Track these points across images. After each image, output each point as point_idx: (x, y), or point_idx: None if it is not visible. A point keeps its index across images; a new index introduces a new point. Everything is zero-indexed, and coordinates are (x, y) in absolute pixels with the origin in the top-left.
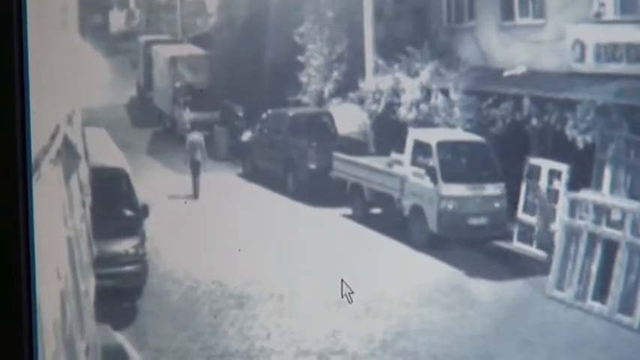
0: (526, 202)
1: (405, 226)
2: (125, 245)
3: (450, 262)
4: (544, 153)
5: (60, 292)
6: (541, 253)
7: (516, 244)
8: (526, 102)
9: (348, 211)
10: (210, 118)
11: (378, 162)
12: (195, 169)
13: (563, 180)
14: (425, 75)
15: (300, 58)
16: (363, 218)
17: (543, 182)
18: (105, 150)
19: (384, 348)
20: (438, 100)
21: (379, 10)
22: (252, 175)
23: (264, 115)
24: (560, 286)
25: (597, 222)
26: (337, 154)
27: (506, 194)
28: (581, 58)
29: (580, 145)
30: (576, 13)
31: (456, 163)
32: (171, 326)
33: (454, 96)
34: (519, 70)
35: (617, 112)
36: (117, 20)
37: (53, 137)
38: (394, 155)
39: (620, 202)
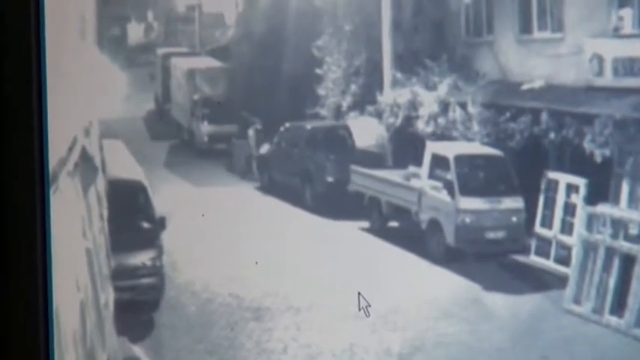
0: (544, 216)
1: (423, 239)
2: (142, 258)
3: (466, 276)
4: (562, 167)
5: (80, 303)
6: (558, 267)
7: (533, 258)
8: (544, 116)
9: (366, 224)
10: (228, 131)
11: (395, 175)
12: None
13: (580, 194)
14: (443, 88)
15: (318, 71)
16: (381, 231)
17: (561, 196)
18: (122, 162)
19: None
20: (456, 113)
21: (397, 23)
22: (270, 188)
23: (282, 128)
24: (577, 300)
25: (615, 236)
26: (355, 168)
27: (524, 208)
28: (600, 72)
29: (598, 159)
30: (594, 27)
31: (474, 177)
32: (188, 339)
33: (472, 109)
34: (537, 83)
35: (635, 126)
36: (135, 32)
37: (71, 149)
38: (412, 169)
39: (637, 216)
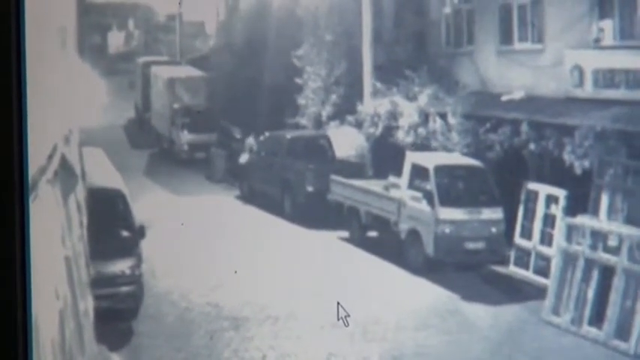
0: (523, 226)
1: (402, 249)
2: (121, 266)
3: (446, 286)
4: (542, 178)
5: (59, 311)
6: (537, 278)
7: (513, 269)
8: (524, 127)
9: (345, 234)
10: (208, 140)
11: (375, 185)
12: None
13: (560, 205)
14: (423, 99)
15: (299, 81)
16: (360, 241)
17: (540, 207)
18: (102, 171)
19: None
20: (436, 124)
21: (378, 33)
22: (249, 197)
23: (261, 138)
24: (556, 311)
25: (594, 247)
26: (334, 177)
27: (503, 219)
28: (580, 84)
29: (578, 170)
30: (575, 38)
31: (454, 188)
32: (167, 348)
33: (452, 120)
34: (517, 94)
35: (615, 137)
36: (116, 41)
37: (51, 157)
38: (391, 179)
39: (617, 227)
